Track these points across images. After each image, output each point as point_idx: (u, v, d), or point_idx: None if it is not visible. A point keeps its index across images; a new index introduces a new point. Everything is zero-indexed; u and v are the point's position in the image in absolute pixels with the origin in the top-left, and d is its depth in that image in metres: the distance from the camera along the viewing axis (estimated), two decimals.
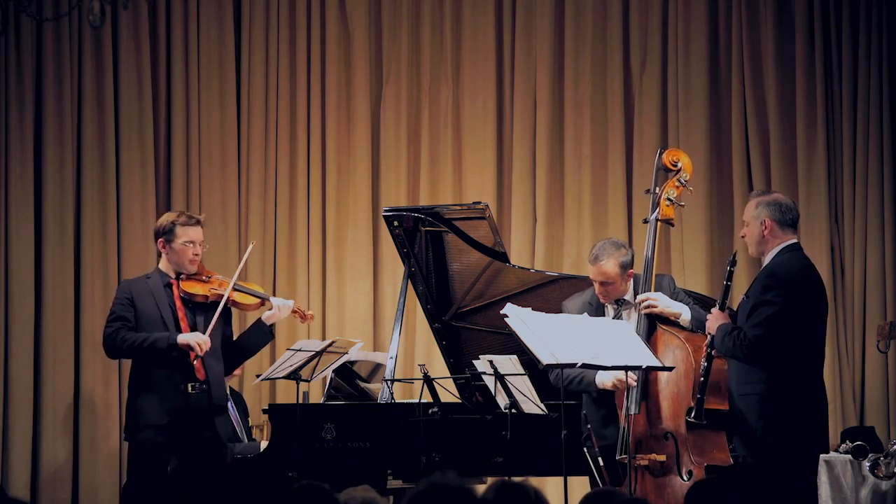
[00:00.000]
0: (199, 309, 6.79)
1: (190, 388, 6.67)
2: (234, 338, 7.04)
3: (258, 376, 7.40)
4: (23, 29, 8.78)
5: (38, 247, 8.84)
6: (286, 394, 8.67)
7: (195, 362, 6.64)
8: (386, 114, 9.27)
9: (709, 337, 6.08)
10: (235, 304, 6.89)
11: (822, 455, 7.68)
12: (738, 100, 8.89)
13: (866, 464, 7.46)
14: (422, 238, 7.21)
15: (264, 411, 7.84)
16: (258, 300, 6.95)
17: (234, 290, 6.82)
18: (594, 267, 6.60)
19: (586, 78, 9.09)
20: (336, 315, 9.17)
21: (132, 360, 6.86)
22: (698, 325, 6.38)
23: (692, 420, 6.08)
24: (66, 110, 8.89)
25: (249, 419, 8.33)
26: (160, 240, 6.81)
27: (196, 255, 6.79)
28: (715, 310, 6.10)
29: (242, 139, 9.27)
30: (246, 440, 7.97)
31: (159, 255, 6.91)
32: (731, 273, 6.12)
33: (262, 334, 7.01)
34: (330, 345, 6.97)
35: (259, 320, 7.01)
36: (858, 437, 7.69)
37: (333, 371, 7.22)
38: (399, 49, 9.28)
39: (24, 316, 8.75)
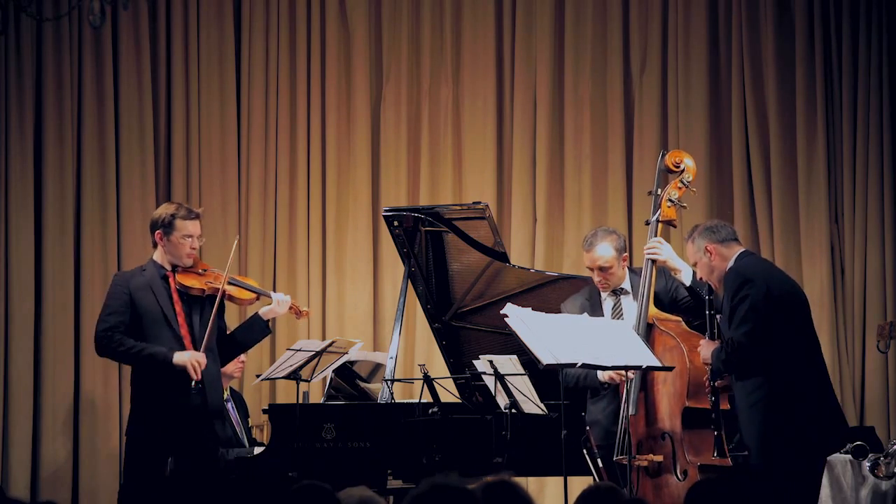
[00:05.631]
0: (196, 302, 6.75)
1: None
2: (229, 331, 6.99)
3: (258, 376, 7.39)
4: (23, 29, 8.78)
5: (38, 247, 8.84)
6: (286, 394, 8.67)
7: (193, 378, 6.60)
8: (386, 114, 9.27)
9: (708, 370, 6.07)
10: (231, 298, 6.81)
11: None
12: (738, 100, 8.88)
13: (866, 464, 7.46)
14: (422, 238, 7.20)
15: (264, 411, 7.84)
16: (254, 295, 6.85)
17: (230, 283, 6.79)
18: (590, 253, 6.61)
19: (586, 78, 9.09)
20: (336, 315, 9.17)
21: None
22: (697, 288, 6.38)
23: (715, 458, 6.06)
24: (66, 110, 8.89)
25: (249, 419, 8.33)
26: (158, 231, 6.71)
27: (193, 248, 6.73)
28: (704, 340, 6.11)
29: (242, 139, 9.27)
30: (246, 441, 7.96)
31: (155, 246, 6.85)
32: (710, 301, 6.13)
33: (258, 329, 6.90)
34: (330, 345, 6.96)
35: (256, 315, 6.88)
36: (858, 437, 7.69)
37: (333, 371, 7.21)
38: (399, 49, 9.28)
39: (24, 316, 8.75)
